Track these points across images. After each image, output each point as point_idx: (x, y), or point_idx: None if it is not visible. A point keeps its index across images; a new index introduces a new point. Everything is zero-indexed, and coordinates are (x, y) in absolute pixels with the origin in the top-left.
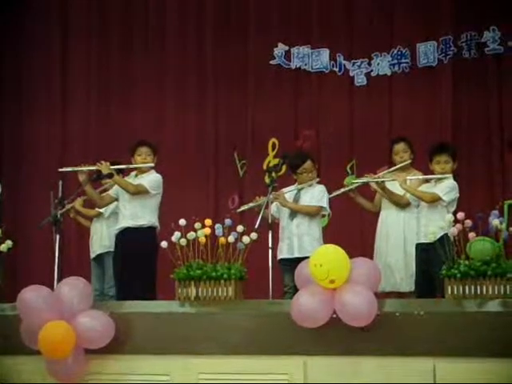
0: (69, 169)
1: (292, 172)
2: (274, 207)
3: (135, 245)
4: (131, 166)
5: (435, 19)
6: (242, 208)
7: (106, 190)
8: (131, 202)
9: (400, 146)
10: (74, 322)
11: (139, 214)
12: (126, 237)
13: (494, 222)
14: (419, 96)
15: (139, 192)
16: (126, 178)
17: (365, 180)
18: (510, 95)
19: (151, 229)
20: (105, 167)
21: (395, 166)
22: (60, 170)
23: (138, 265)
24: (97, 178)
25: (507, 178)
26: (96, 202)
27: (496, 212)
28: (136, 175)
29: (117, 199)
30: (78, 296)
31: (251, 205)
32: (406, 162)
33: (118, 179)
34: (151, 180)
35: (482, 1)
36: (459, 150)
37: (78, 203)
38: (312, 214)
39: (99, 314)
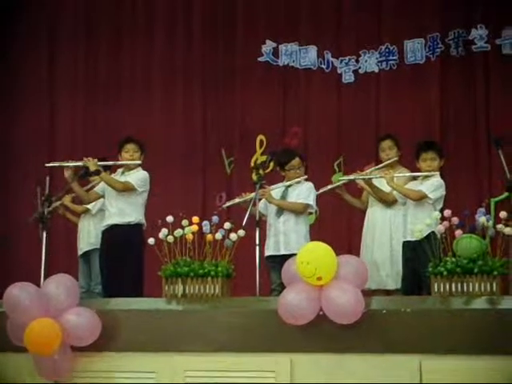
0: (56, 164)
1: (280, 169)
2: (262, 204)
3: (122, 242)
4: (118, 163)
5: (423, 16)
6: (228, 203)
7: (93, 187)
8: (118, 199)
9: (386, 143)
10: (61, 319)
11: (126, 211)
12: (113, 234)
13: (481, 219)
14: (407, 93)
15: (126, 189)
16: (113, 175)
17: (352, 177)
18: (497, 93)
19: (138, 226)
20: (92, 164)
21: (382, 163)
22: (47, 164)
23: (124, 262)
24: (84, 175)
25: (494, 175)
26: (82, 199)
27: (483, 209)
28: (123, 172)
29: (103, 196)
30: (65, 293)
31: (237, 200)
32: (393, 159)
33: (105, 176)
34: (138, 177)
35: None
36: (446, 147)
37: (67, 199)
38: (298, 211)
39: (86, 311)
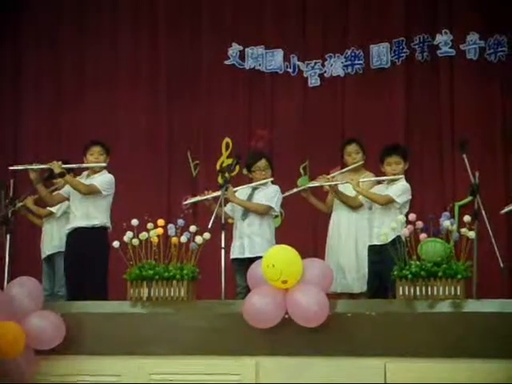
0: (20, 167)
1: (247, 170)
2: (228, 206)
3: (87, 245)
4: (83, 166)
5: (388, 21)
6: (190, 201)
7: (57, 190)
8: (83, 202)
9: (352, 147)
10: (24, 322)
11: (91, 214)
12: (78, 237)
13: (445, 223)
14: (372, 97)
15: (91, 192)
16: (78, 178)
17: (317, 184)
18: (461, 97)
19: (103, 229)
20: (57, 166)
21: (347, 166)
22: (11, 168)
23: (89, 265)
24: (49, 178)
25: (458, 179)
26: (47, 201)
27: (447, 213)
28: (88, 175)
29: (68, 198)
30: (29, 296)
31: (199, 198)
32: (359, 163)
33: (69, 179)
34: (103, 180)
35: (434, 4)
36: (411, 151)
37: (29, 201)
38: (260, 212)
39: (50, 315)
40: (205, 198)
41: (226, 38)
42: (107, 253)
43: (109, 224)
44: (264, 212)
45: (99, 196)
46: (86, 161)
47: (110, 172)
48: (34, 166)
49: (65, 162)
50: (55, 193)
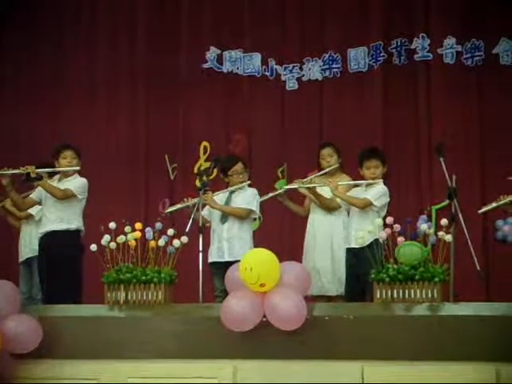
0: None
1: (223, 175)
2: (205, 210)
3: (60, 248)
4: (57, 170)
5: (366, 25)
6: (171, 209)
7: (29, 195)
8: (56, 206)
9: (326, 151)
10: (1, 325)
11: (64, 217)
12: (51, 240)
13: (422, 226)
14: (350, 101)
15: (67, 197)
16: (49, 182)
17: (296, 186)
18: (438, 101)
19: (76, 232)
20: (31, 171)
21: (323, 170)
22: None
23: (62, 268)
24: (27, 181)
25: (435, 182)
26: (18, 206)
27: (424, 217)
28: (60, 179)
29: (39, 203)
30: (5, 300)
31: (180, 206)
32: (334, 166)
33: (45, 184)
34: (78, 184)
35: (411, 8)
36: (389, 154)
37: (8, 203)
38: (241, 216)
39: (27, 318)
40: (185, 205)
41: (203, 42)
42: (81, 256)
43: (82, 227)
44: (245, 216)
45: (74, 200)
46: (58, 165)
47: (82, 176)
48: (8, 172)
49: (38, 166)
50: (27, 197)
